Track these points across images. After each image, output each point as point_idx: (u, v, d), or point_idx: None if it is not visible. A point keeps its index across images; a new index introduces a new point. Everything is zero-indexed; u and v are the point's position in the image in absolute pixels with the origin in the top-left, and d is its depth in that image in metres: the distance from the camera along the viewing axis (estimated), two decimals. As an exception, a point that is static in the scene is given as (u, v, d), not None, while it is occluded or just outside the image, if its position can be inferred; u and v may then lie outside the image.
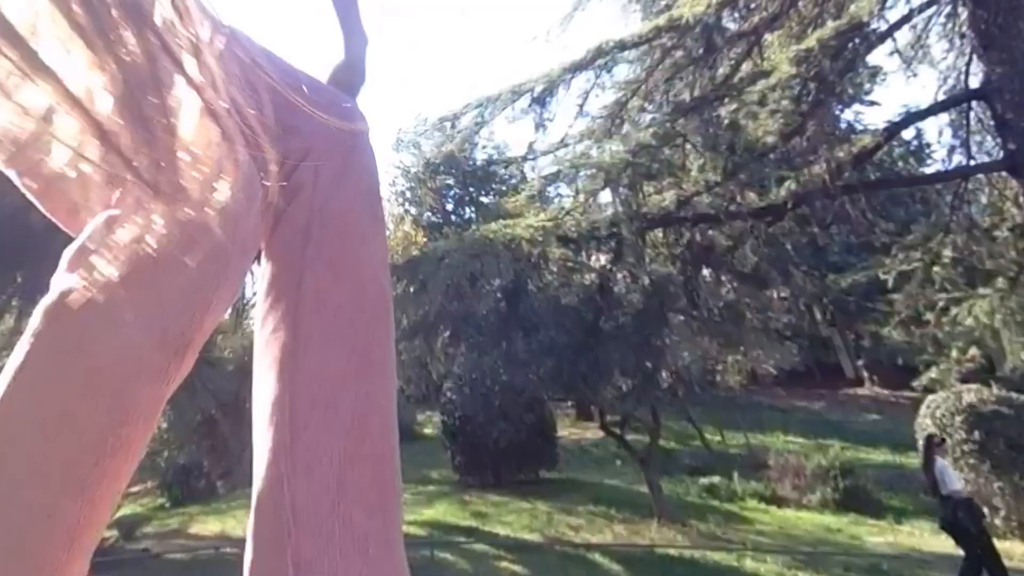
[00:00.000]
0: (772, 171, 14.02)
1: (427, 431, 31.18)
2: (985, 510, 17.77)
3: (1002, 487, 18.27)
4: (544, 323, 15.56)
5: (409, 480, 23.20)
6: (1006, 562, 16.83)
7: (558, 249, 14.08)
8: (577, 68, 13.94)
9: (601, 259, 15.46)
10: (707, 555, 19.14)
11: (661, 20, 13.44)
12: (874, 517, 21.29)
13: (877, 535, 20.36)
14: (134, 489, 28.25)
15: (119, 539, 19.92)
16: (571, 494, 23.13)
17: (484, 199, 39.99)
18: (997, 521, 18.50)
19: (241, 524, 22.10)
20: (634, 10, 16.12)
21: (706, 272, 15.67)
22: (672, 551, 19.42)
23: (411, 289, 13.71)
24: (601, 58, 13.84)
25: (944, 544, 19.12)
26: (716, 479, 24.37)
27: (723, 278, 16.00)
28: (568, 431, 29.21)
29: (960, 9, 13.55)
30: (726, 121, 12.92)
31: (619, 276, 15.35)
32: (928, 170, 21.20)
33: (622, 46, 13.78)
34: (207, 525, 22.06)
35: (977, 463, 18.52)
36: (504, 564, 17.64)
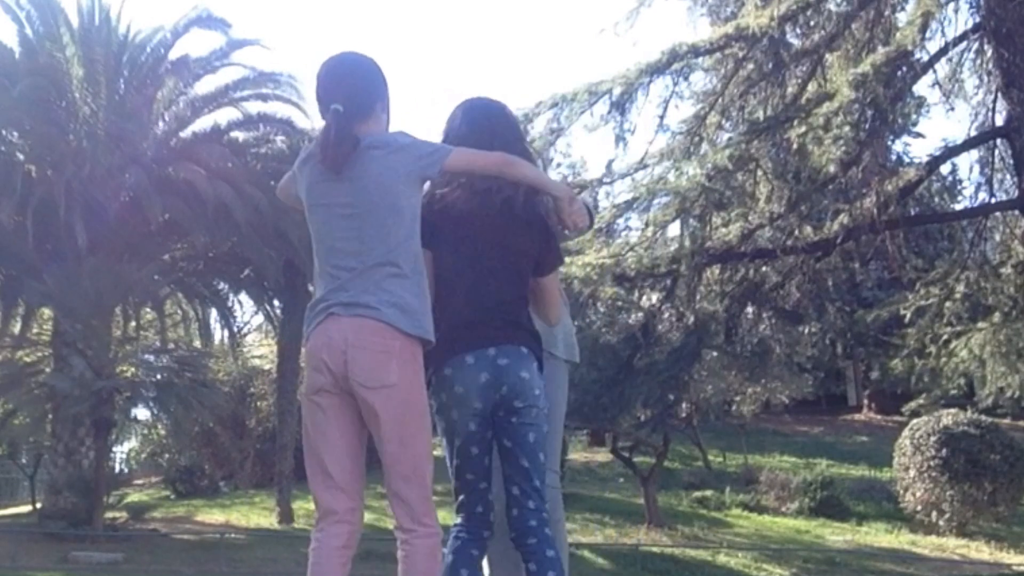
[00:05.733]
0: (830, 203, 14.36)
1: (435, 452, 31.87)
2: (933, 514, 21.75)
3: (952, 495, 21.19)
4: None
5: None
6: (940, 553, 20.80)
7: (610, 288, 14.07)
8: (654, 71, 13.89)
9: (652, 298, 15.51)
10: (687, 552, 20.61)
11: (729, 28, 13.72)
12: (840, 520, 23.62)
13: (838, 535, 22.55)
14: (138, 482, 28.48)
15: (128, 520, 20.12)
16: (571, 504, 23.83)
17: None
18: (941, 522, 21.66)
19: (245, 517, 22.40)
20: (700, 13, 16.28)
21: (749, 309, 15.86)
22: (655, 549, 20.49)
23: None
24: (677, 62, 13.87)
25: (892, 540, 22.16)
26: (708, 492, 25.85)
27: (764, 315, 16.22)
28: (580, 455, 29.94)
29: (986, 47, 13.86)
30: (795, 145, 13.15)
31: (666, 315, 15.40)
32: (958, 206, 21.59)
33: (695, 51, 13.93)
34: (212, 515, 22.39)
35: (938, 475, 21.16)
36: (496, 558, 18.16)
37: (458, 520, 3.18)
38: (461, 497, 3.20)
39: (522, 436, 3.13)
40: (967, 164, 34.29)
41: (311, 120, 20.97)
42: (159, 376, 20.72)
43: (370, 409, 2.86)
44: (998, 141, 14.84)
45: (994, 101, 14.56)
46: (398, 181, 2.92)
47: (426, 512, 2.90)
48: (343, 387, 2.86)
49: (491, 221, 3.15)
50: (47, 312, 22.70)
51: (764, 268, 15.35)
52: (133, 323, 23.76)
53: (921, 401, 20.46)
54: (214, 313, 25.36)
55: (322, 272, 2.99)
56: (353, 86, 3.06)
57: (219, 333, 27.09)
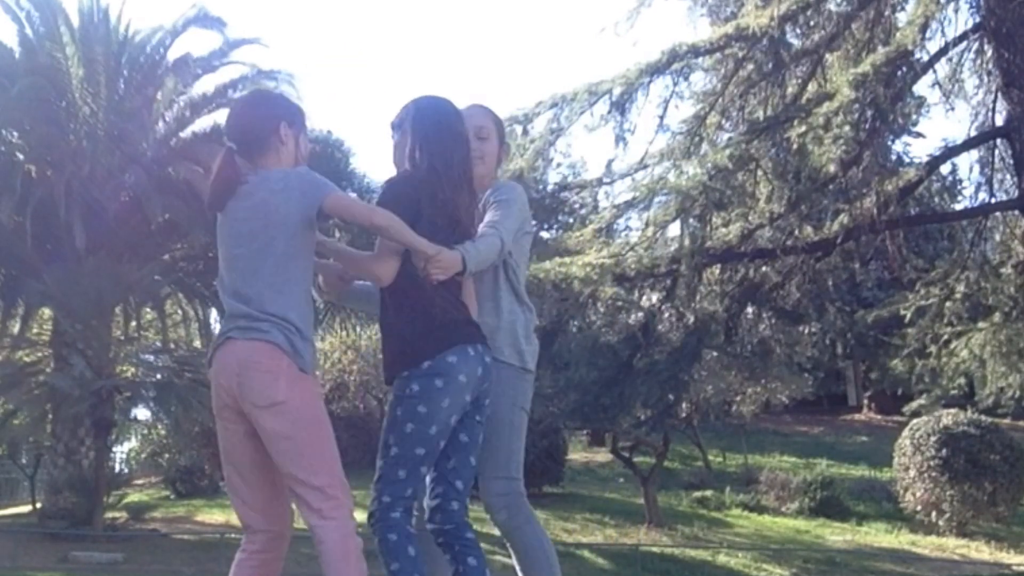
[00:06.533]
0: (830, 203, 14.35)
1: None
2: (933, 514, 21.76)
3: (952, 495, 21.26)
4: (577, 361, 15.68)
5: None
6: (940, 553, 20.77)
7: (610, 288, 14.02)
8: (654, 71, 13.90)
9: (652, 298, 15.49)
10: (687, 552, 20.68)
11: (729, 28, 13.70)
12: (840, 521, 23.57)
13: (838, 535, 22.53)
14: (138, 482, 28.47)
15: (128, 520, 20.12)
16: (571, 504, 23.89)
17: (545, 234, 32.06)
18: (941, 522, 21.72)
19: (245, 516, 22.31)
20: (700, 13, 16.25)
21: (749, 309, 15.85)
22: (655, 549, 20.50)
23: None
24: (677, 62, 13.85)
25: (892, 540, 22.15)
26: (708, 492, 25.86)
27: (764, 315, 16.21)
28: (580, 455, 29.93)
29: (986, 47, 13.85)
30: (795, 145, 13.12)
31: (666, 315, 15.38)
32: (958, 206, 21.59)
33: (695, 51, 13.91)
34: (212, 515, 22.37)
35: (938, 475, 21.24)
36: (497, 557, 18.15)
37: (399, 508, 3.12)
38: (409, 490, 3.15)
39: (478, 435, 3.27)
40: (967, 164, 34.28)
41: (310, 119, 20.94)
42: (159, 376, 20.72)
43: (262, 427, 3.03)
44: (998, 141, 14.81)
45: (994, 101, 14.55)
46: (286, 219, 3.09)
47: (335, 495, 3.03)
48: (240, 408, 3.05)
49: (457, 218, 3.27)
50: (47, 312, 22.67)
51: (764, 268, 15.32)
52: (133, 323, 23.72)
53: (921, 401, 20.46)
54: (214, 313, 25.30)
55: (223, 300, 3.19)
56: (244, 124, 3.28)
57: (219, 333, 27.03)
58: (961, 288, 15.55)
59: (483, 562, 3.14)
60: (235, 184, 3.14)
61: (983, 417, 21.77)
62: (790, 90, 14.84)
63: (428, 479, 3.23)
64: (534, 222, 3.65)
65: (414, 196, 3.21)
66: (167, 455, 29.92)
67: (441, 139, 3.33)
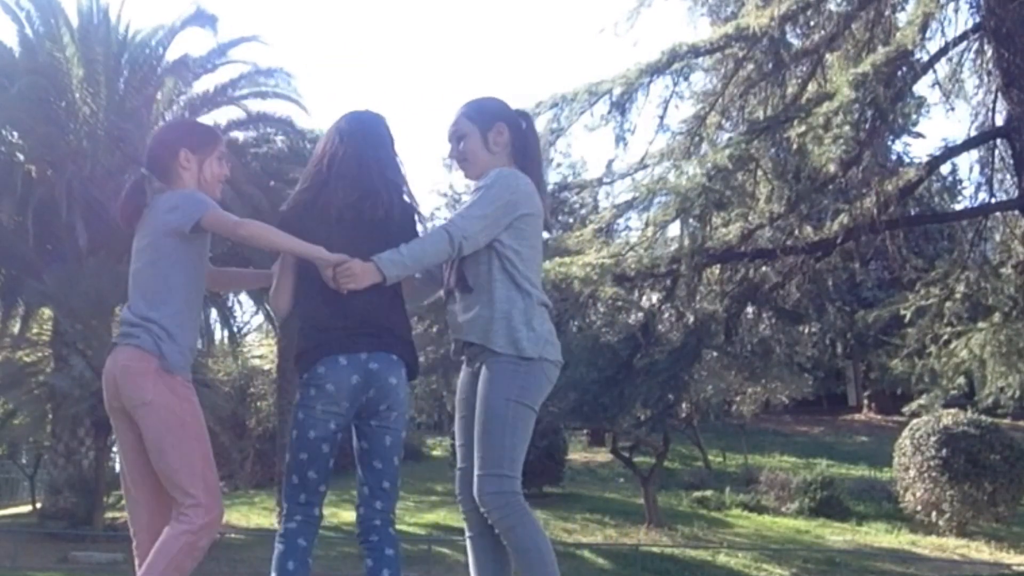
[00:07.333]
0: (830, 203, 14.35)
1: (435, 453, 31.95)
2: (933, 514, 21.80)
3: (952, 495, 21.33)
4: (576, 361, 15.76)
5: (414, 492, 23.68)
6: (940, 553, 20.76)
7: (611, 288, 14.01)
8: (654, 71, 13.86)
9: (652, 298, 15.49)
10: (687, 552, 20.70)
11: (729, 28, 13.69)
12: (840, 521, 23.61)
13: (839, 535, 22.56)
14: (138, 481, 28.47)
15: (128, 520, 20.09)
16: (571, 504, 23.92)
17: (545, 234, 33.40)
18: (941, 522, 21.77)
19: (245, 517, 22.42)
20: (700, 13, 16.23)
21: (749, 309, 15.85)
22: (656, 549, 20.54)
23: (434, 329, 13.51)
24: (677, 62, 13.82)
25: (892, 540, 22.19)
26: (708, 492, 25.93)
27: (764, 315, 16.22)
28: (580, 454, 29.93)
29: (986, 47, 13.85)
30: (795, 145, 13.12)
31: (666, 315, 15.37)
32: (958, 206, 21.61)
33: (695, 51, 13.89)
34: (212, 515, 22.27)
35: (938, 475, 21.30)
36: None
37: (297, 518, 3.31)
38: (302, 496, 3.33)
39: (378, 439, 3.36)
40: (967, 164, 34.31)
41: (311, 118, 20.97)
42: (158, 376, 20.64)
43: (138, 426, 3.25)
44: (998, 141, 14.80)
45: (994, 101, 14.53)
46: (160, 237, 3.39)
47: (196, 495, 3.18)
48: (123, 409, 3.28)
49: (356, 223, 3.34)
50: (47, 312, 22.68)
51: (764, 268, 15.32)
52: (133, 323, 23.74)
53: (921, 401, 20.51)
54: (214, 313, 25.34)
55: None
56: (150, 151, 3.58)
57: (219, 333, 27.08)
58: (961, 288, 15.54)
59: (396, 553, 3.30)
60: (135, 207, 3.48)
61: (983, 417, 21.77)
62: (790, 90, 14.83)
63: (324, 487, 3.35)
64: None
65: (293, 218, 3.39)
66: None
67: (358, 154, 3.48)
